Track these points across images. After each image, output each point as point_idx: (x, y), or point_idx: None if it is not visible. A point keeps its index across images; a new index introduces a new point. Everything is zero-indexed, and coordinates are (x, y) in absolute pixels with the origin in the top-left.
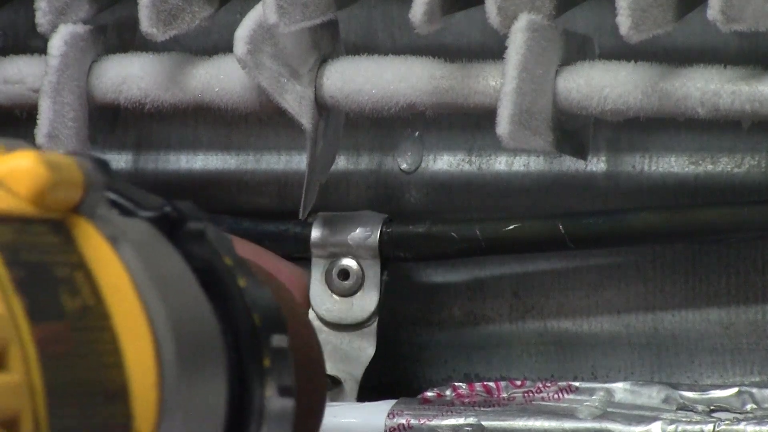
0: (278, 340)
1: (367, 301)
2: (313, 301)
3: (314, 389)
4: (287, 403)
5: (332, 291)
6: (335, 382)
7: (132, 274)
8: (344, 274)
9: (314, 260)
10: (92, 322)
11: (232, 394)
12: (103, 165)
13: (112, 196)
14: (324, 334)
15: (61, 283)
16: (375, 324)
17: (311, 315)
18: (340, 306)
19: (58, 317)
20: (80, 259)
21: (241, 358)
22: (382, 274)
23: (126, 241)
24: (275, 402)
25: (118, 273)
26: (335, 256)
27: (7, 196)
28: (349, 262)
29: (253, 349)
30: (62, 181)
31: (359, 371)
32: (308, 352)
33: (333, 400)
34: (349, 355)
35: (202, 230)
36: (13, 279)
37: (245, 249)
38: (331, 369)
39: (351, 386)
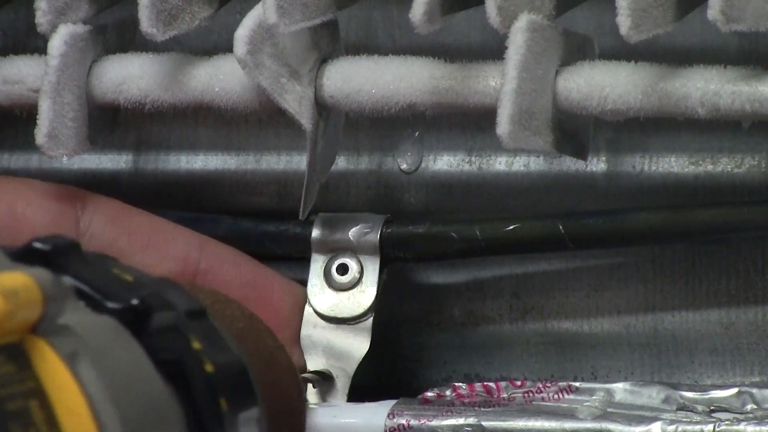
0: (247, 417)
1: (363, 297)
2: (310, 295)
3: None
4: None
5: (330, 286)
6: (326, 378)
7: (89, 394)
8: (343, 268)
9: (314, 256)
10: None
11: None
12: (72, 249)
13: (80, 285)
14: (319, 329)
15: (13, 418)
16: (370, 320)
17: (308, 310)
18: (336, 300)
19: None
20: (36, 385)
21: None
22: (381, 272)
23: (84, 354)
24: None
25: (73, 396)
26: (335, 252)
27: None
28: (348, 258)
29: None
30: (20, 307)
31: (352, 367)
32: (287, 402)
33: (324, 396)
34: (342, 350)
35: (169, 321)
36: None
37: (245, 266)
38: (323, 364)
39: (343, 382)
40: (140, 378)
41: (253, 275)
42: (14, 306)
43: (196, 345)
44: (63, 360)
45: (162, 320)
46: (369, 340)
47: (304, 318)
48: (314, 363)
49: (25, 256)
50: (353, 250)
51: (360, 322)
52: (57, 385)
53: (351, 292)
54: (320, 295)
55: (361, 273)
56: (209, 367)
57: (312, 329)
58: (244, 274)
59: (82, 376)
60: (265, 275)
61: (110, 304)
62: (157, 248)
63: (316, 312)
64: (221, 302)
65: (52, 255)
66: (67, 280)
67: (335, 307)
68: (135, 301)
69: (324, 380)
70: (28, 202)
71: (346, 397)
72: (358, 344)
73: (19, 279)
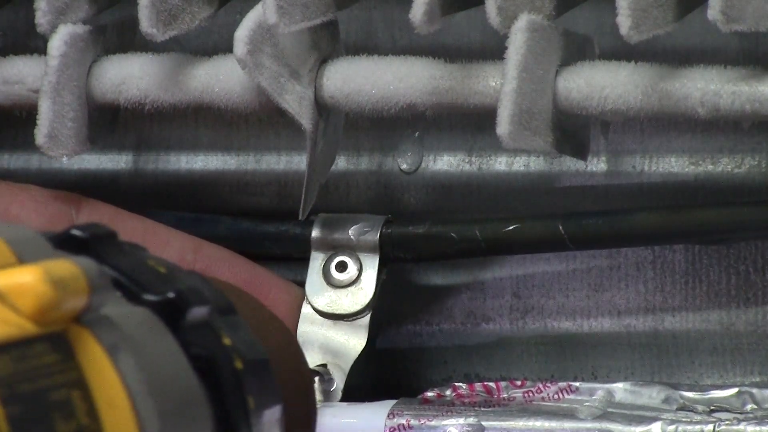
0: (270, 415)
1: (362, 294)
2: (308, 292)
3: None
4: None
5: (328, 283)
6: (326, 373)
7: (129, 387)
8: (342, 266)
9: (313, 254)
10: None
11: None
12: (110, 238)
13: (117, 275)
14: (316, 326)
15: (56, 409)
16: (368, 318)
17: (306, 307)
18: (334, 296)
19: None
20: (79, 375)
21: None
22: (380, 272)
23: (126, 347)
24: None
25: (115, 389)
26: (335, 250)
27: (7, 313)
28: (348, 256)
29: None
30: (67, 296)
31: (347, 365)
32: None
33: (320, 392)
34: (338, 347)
35: (204, 316)
36: (8, 417)
37: (242, 268)
38: (319, 360)
39: (339, 379)
40: (176, 372)
41: (249, 276)
42: (62, 295)
43: (227, 341)
44: (105, 351)
45: (196, 315)
46: (366, 337)
47: (301, 315)
48: (310, 360)
49: (63, 242)
50: (353, 248)
51: (357, 319)
52: (99, 376)
53: (349, 289)
54: (318, 292)
55: (360, 271)
56: (239, 364)
57: (309, 326)
58: (240, 275)
59: (124, 368)
60: (261, 276)
61: (147, 296)
62: (152, 251)
63: (314, 309)
64: (242, 298)
65: (90, 243)
66: (106, 270)
67: (333, 303)
68: (171, 294)
69: (325, 375)
70: (23, 206)
71: (341, 394)
72: (354, 341)
73: (67, 267)
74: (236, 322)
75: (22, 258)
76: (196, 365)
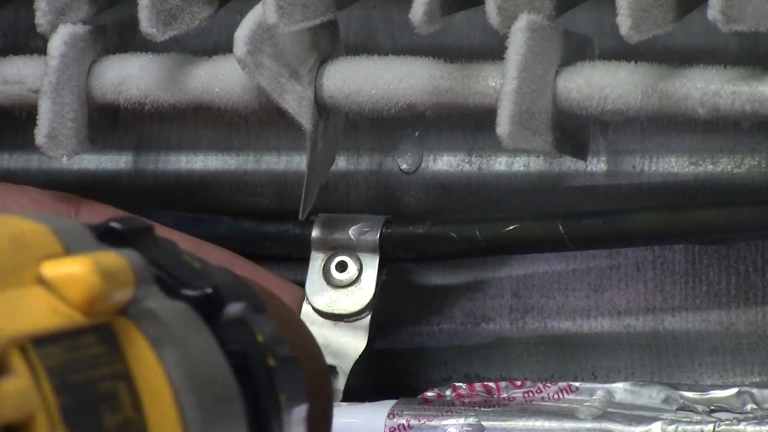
0: (298, 413)
1: (362, 294)
2: (308, 292)
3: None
4: None
5: (328, 283)
6: (332, 372)
7: (172, 381)
8: (342, 266)
9: (313, 254)
10: None
11: None
12: (148, 232)
13: (156, 270)
14: (316, 327)
15: (104, 400)
16: (368, 319)
17: (306, 307)
18: (334, 296)
19: None
20: (125, 367)
21: None
22: (380, 272)
23: (169, 341)
24: None
25: (159, 381)
26: (335, 250)
27: (57, 303)
28: (348, 256)
29: (277, 429)
30: (115, 288)
31: (348, 365)
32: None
33: None
34: (339, 348)
35: (240, 312)
36: (61, 407)
37: (241, 268)
38: None
39: (340, 380)
40: (213, 367)
41: (249, 276)
42: (110, 286)
43: (260, 338)
44: (150, 345)
45: (232, 311)
46: (366, 338)
47: (301, 315)
48: None
49: (103, 234)
50: (353, 248)
51: (358, 319)
52: (144, 370)
53: (349, 289)
54: (318, 292)
55: (360, 271)
56: (271, 362)
57: (309, 326)
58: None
59: (167, 362)
60: (261, 276)
61: (185, 291)
62: None
63: (314, 309)
64: (268, 296)
65: (128, 236)
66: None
67: (333, 303)
68: (209, 290)
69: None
70: (22, 207)
71: (341, 395)
72: (355, 342)
73: (115, 260)
74: (267, 320)
75: (69, 248)
76: (232, 361)
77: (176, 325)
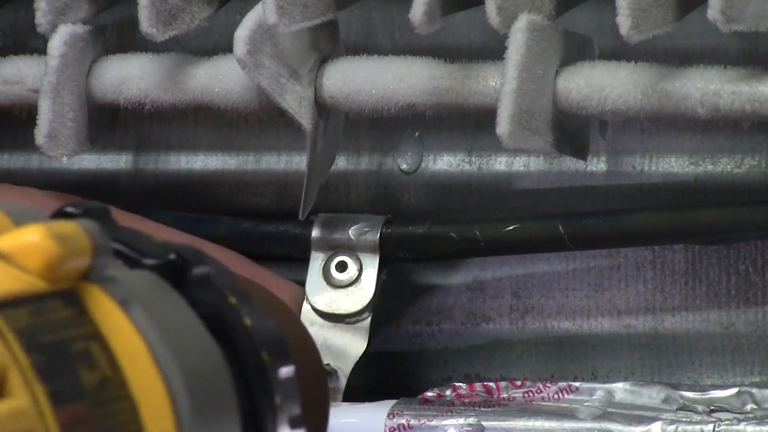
0: (286, 372)
1: (362, 294)
2: (308, 292)
3: (319, 408)
4: None
5: (328, 283)
6: (331, 373)
7: (145, 337)
8: (342, 266)
9: (313, 254)
10: (111, 393)
11: None
12: (104, 213)
13: (116, 245)
14: (316, 327)
15: (78, 360)
16: (368, 320)
17: (306, 307)
18: (334, 296)
19: (78, 397)
20: (94, 328)
21: (253, 399)
22: (380, 272)
23: (136, 301)
24: None
25: (131, 338)
26: (335, 250)
27: (17, 272)
28: (348, 256)
29: (263, 388)
30: (72, 252)
31: (348, 367)
32: (311, 369)
33: None
34: (339, 349)
35: (207, 274)
36: (33, 365)
37: (242, 267)
38: None
39: (340, 381)
40: (188, 326)
41: (249, 276)
42: (67, 251)
43: (232, 300)
44: (118, 305)
45: (199, 272)
46: (366, 339)
47: (301, 315)
48: None
49: (58, 218)
50: (353, 248)
51: (358, 321)
52: (115, 329)
53: (349, 289)
54: (318, 293)
55: (360, 271)
56: (248, 321)
57: (309, 327)
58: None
59: (138, 320)
60: (261, 275)
61: (148, 261)
62: None
63: (314, 309)
64: (256, 288)
65: (82, 218)
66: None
67: (333, 303)
68: (172, 256)
69: (331, 372)
70: None
71: (342, 396)
72: (355, 343)
73: (69, 227)
74: (238, 286)
75: (21, 226)
76: (206, 323)
77: (143, 289)
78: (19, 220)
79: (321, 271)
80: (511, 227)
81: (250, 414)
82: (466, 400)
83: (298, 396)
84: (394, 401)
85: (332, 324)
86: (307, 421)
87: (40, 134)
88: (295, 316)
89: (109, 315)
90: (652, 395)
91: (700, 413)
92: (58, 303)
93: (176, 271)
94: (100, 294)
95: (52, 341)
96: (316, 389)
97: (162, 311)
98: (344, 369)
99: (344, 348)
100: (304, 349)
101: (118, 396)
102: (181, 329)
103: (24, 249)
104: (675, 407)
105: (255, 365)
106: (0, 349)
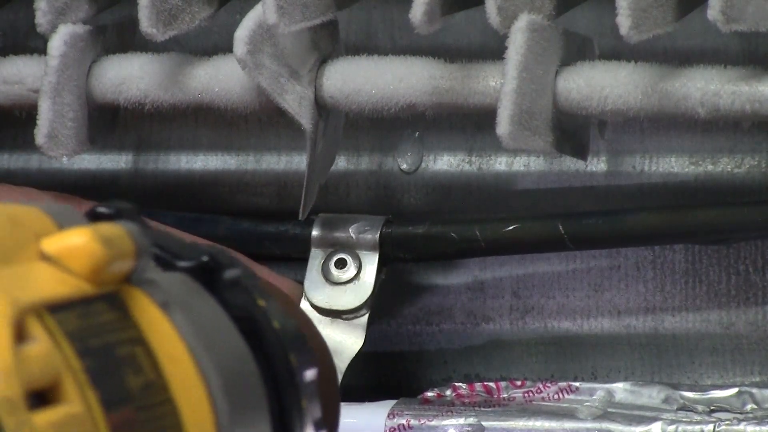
0: (310, 375)
1: (360, 291)
2: (307, 289)
3: (332, 409)
4: None
5: (327, 280)
6: None
7: (186, 341)
8: (341, 263)
9: (313, 251)
10: (155, 397)
11: None
12: (135, 214)
13: (151, 248)
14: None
15: (124, 364)
16: (365, 318)
17: (304, 304)
18: (332, 293)
19: (126, 401)
20: (138, 332)
21: (281, 402)
22: (379, 271)
23: (175, 304)
24: None
25: (173, 342)
26: (334, 248)
27: (63, 275)
28: (347, 254)
29: (292, 391)
30: (117, 255)
31: (344, 363)
32: (326, 369)
33: None
34: (335, 345)
35: (238, 277)
36: (85, 370)
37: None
38: None
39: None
40: (223, 329)
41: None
42: (113, 254)
43: (261, 302)
44: (160, 309)
45: (231, 275)
46: (363, 337)
47: None
48: None
49: (92, 217)
50: (353, 246)
51: (355, 317)
52: (157, 333)
53: (348, 286)
54: (317, 289)
55: (360, 268)
56: (276, 324)
57: None
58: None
59: (179, 325)
60: (259, 273)
61: (181, 263)
62: None
63: (312, 305)
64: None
65: (116, 219)
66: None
67: (331, 299)
68: (205, 258)
69: None
70: None
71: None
72: (352, 340)
73: (114, 230)
74: (263, 288)
75: (62, 227)
76: (238, 325)
77: (180, 292)
78: (61, 221)
79: (320, 269)
80: (511, 227)
81: (279, 417)
82: (466, 400)
83: (317, 398)
84: (394, 401)
85: (329, 320)
86: (325, 422)
87: (40, 134)
88: (306, 315)
89: (151, 318)
90: (652, 395)
91: (700, 413)
92: (103, 306)
93: (208, 273)
94: (142, 297)
95: (100, 345)
96: (331, 390)
97: (199, 314)
98: (340, 366)
99: (341, 345)
100: (319, 350)
101: (161, 400)
102: (216, 332)
103: (71, 252)
104: (675, 407)
105: (285, 369)
106: (54, 353)
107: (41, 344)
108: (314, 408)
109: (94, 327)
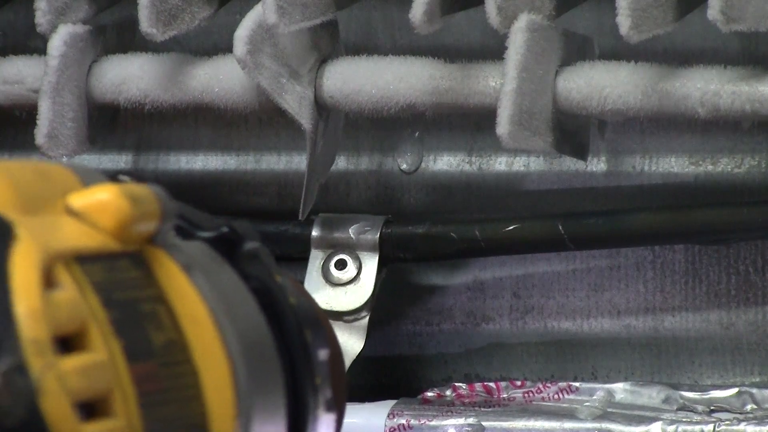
0: (323, 355)
1: (361, 292)
2: (306, 289)
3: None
4: (332, 418)
5: (327, 281)
6: None
7: (207, 303)
8: (342, 263)
9: (313, 252)
10: (176, 356)
11: (289, 413)
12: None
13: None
14: None
15: (148, 319)
16: (366, 320)
17: None
18: (332, 294)
19: (149, 355)
20: (160, 291)
21: (296, 376)
22: (379, 271)
23: (198, 269)
24: (324, 418)
25: (195, 303)
26: (334, 248)
27: (90, 230)
28: (347, 254)
29: (306, 366)
30: (143, 214)
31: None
32: (337, 355)
33: None
34: None
35: (257, 250)
36: (110, 320)
37: None
38: None
39: None
40: (241, 298)
41: None
42: (139, 212)
43: (278, 277)
44: (182, 270)
45: (250, 247)
46: (363, 339)
47: None
48: None
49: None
50: (353, 247)
51: (356, 319)
52: (179, 294)
53: (348, 287)
54: (317, 290)
55: (360, 269)
56: (293, 300)
57: None
58: None
59: (200, 286)
60: None
61: (202, 233)
62: None
63: None
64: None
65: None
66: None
67: (331, 300)
68: (225, 229)
69: None
70: None
71: None
72: (352, 342)
73: (141, 189)
74: (279, 265)
75: (87, 185)
76: (255, 296)
77: (201, 257)
78: (84, 176)
79: (320, 269)
80: (511, 227)
81: (292, 390)
82: (466, 400)
83: (329, 378)
84: (394, 401)
85: (330, 322)
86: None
87: (40, 134)
88: (316, 302)
89: (174, 279)
90: (652, 395)
91: (700, 413)
92: (127, 263)
93: (228, 245)
94: (165, 258)
95: (124, 299)
96: (340, 376)
97: (220, 281)
98: None
99: (342, 347)
100: (331, 336)
101: (182, 359)
102: (236, 300)
103: (98, 207)
104: (675, 407)
105: (300, 343)
106: (80, 301)
107: (68, 291)
108: (326, 388)
109: (119, 281)
